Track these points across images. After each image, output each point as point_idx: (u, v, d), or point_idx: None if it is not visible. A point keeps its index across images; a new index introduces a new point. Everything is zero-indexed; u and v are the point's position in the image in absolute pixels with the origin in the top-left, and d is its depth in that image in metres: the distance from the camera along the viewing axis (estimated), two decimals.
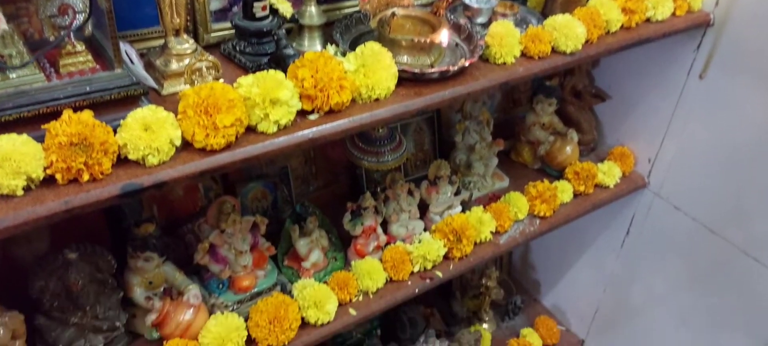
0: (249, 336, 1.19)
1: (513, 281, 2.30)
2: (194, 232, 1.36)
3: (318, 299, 1.24)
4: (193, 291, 1.18)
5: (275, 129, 0.93)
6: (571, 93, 1.76)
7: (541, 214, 1.55)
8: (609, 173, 1.66)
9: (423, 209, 1.49)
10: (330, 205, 1.51)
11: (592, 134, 1.76)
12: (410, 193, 1.45)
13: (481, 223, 1.46)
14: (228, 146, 0.90)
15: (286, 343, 1.20)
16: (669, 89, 1.59)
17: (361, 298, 1.33)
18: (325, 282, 1.30)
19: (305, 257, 1.35)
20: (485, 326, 2.10)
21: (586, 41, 1.26)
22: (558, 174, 1.68)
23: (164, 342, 1.14)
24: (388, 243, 1.42)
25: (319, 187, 1.59)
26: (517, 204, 1.54)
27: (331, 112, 0.99)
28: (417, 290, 1.37)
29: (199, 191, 1.39)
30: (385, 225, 1.44)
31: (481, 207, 1.50)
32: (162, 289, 1.20)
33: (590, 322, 2.09)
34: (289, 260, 1.39)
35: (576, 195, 1.63)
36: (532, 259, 2.26)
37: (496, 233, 1.50)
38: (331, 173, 1.61)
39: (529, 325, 2.11)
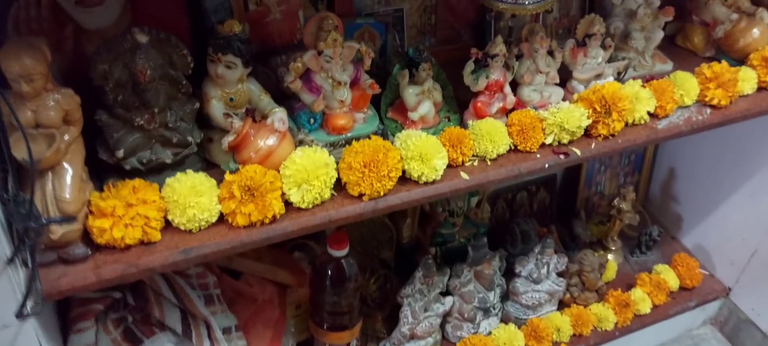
0: (338, 180, 0.99)
1: (648, 213, 1.97)
2: (288, 65, 1.16)
3: (424, 152, 1.00)
4: (279, 115, 0.98)
5: None
6: None
7: (715, 102, 1.22)
8: None
9: (563, 77, 1.21)
10: (448, 65, 1.25)
11: None
12: (550, 53, 1.17)
13: (638, 99, 1.16)
14: None
15: (381, 193, 0.99)
16: None
17: (476, 163, 1.08)
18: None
19: (413, 108, 1.11)
20: (610, 256, 1.79)
21: None
22: (736, 64, 1.33)
23: (240, 167, 0.96)
24: (515, 109, 1.16)
25: (437, 43, 1.34)
26: (685, 86, 1.22)
27: None
28: (546, 166, 1.10)
29: (299, 20, 1.19)
30: (514, 88, 1.17)
31: (640, 81, 1.20)
32: (244, 110, 1.01)
33: (742, 269, 1.72)
34: (393, 112, 1.16)
35: (761, 88, 1.28)
36: (674, 189, 1.91)
37: (654, 116, 1.19)
38: (453, 29, 1.35)
39: (663, 263, 1.78)
